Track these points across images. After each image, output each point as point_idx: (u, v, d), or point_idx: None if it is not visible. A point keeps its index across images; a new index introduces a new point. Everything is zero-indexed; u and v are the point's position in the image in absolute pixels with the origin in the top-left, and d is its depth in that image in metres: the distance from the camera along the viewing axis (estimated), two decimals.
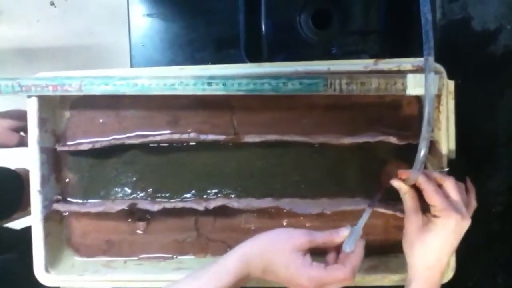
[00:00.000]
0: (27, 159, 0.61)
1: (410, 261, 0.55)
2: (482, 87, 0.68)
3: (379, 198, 0.57)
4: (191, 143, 0.64)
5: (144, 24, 0.68)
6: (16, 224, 1.03)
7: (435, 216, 0.53)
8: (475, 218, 0.55)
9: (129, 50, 0.67)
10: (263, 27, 0.76)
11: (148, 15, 0.67)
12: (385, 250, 0.65)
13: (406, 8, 0.71)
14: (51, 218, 0.64)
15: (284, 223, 0.65)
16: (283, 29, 0.78)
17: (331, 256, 0.54)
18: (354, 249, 0.52)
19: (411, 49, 0.67)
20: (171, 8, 0.68)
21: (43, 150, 0.62)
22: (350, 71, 0.59)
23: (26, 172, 0.65)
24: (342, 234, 0.53)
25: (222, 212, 0.63)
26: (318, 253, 0.53)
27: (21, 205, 0.96)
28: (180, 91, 0.58)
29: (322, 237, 0.53)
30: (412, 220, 0.55)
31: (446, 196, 0.53)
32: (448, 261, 0.54)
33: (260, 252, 0.51)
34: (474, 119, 0.68)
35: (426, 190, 0.54)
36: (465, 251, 0.58)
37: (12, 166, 1.00)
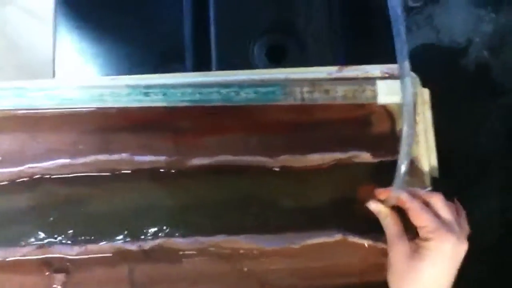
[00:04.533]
0: None
1: None
2: (457, 102, 0.61)
3: None
4: (124, 171, 0.53)
5: (73, 35, 0.59)
6: None
7: (426, 239, 0.43)
8: None
9: (52, 67, 0.57)
10: (213, 57, 0.68)
11: (77, 25, 0.58)
12: None
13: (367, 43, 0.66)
14: None
15: (244, 267, 0.52)
16: (235, 62, 0.70)
17: None
18: None
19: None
20: (104, 17, 0.59)
21: None
22: (312, 79, 0.51)
23: None
24: None
25: (164, 256, 0.51)
26: None
27: None
28: (110, 102, 0.48)
29: None
30: (398, 248, 0.45)
31: (436, 215, 0.44)
32: None
33: None
34: (449, 137, 0.61)
35: (412, 208, 0.44)
36: None
37: None
